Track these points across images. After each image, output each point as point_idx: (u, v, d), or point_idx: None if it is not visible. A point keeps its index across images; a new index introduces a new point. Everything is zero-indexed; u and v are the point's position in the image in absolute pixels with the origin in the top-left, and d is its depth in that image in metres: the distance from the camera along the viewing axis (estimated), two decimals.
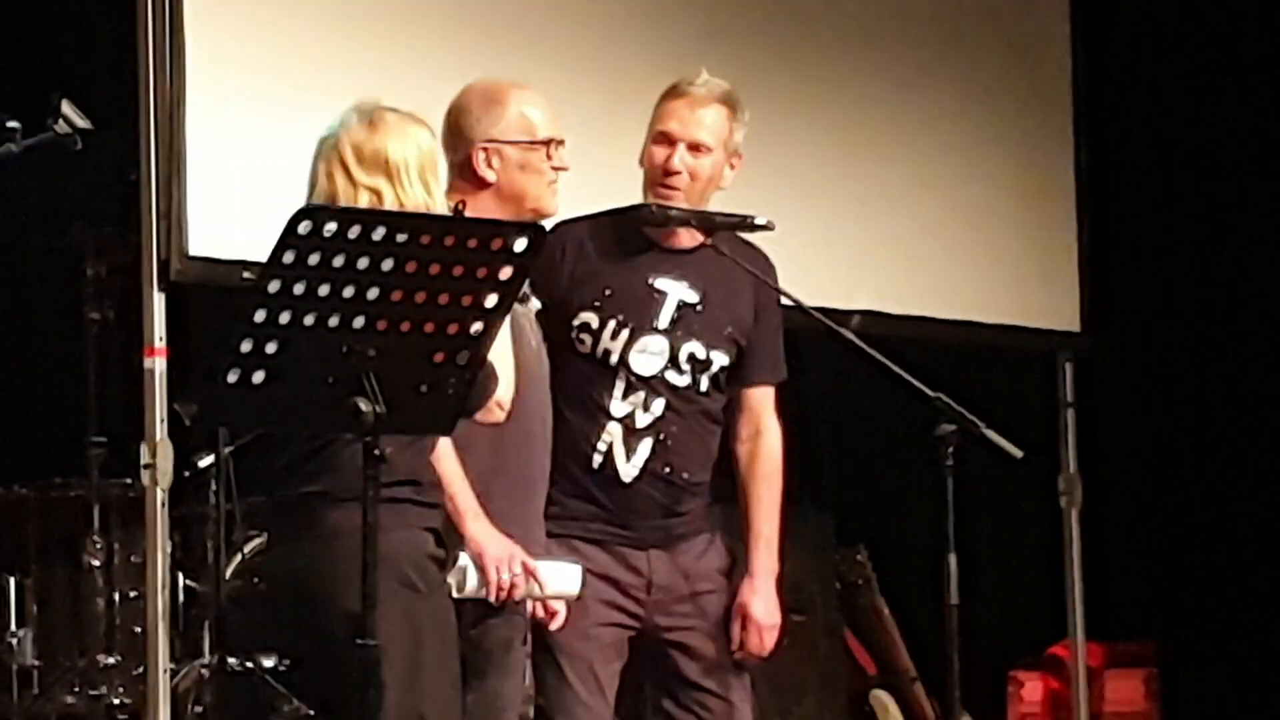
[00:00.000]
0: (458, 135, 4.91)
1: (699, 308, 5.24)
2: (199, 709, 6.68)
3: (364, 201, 4.40)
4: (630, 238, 5.29)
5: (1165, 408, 9.02)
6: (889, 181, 8.28)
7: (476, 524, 4.74)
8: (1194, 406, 9.13)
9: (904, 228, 8.27)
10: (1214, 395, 9.01)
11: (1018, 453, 5.38)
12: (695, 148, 5.14)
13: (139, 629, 6.45)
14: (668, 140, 5.13)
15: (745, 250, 5.31)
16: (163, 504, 5.90)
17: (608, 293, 5.18)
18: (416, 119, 4.55)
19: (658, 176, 5.14)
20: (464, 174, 4.88)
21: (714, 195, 5.39)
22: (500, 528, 4.76)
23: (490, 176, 4.79)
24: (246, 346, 3.84)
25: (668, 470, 5.17)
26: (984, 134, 8.63)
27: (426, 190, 4.48)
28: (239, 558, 6.91)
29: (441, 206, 4.60)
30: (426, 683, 4.07)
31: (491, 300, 4.08)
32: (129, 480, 6.42)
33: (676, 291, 5.25)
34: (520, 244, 4.10)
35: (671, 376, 5.19)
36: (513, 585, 4.71)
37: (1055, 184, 8.83)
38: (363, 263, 3.91)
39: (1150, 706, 8.67)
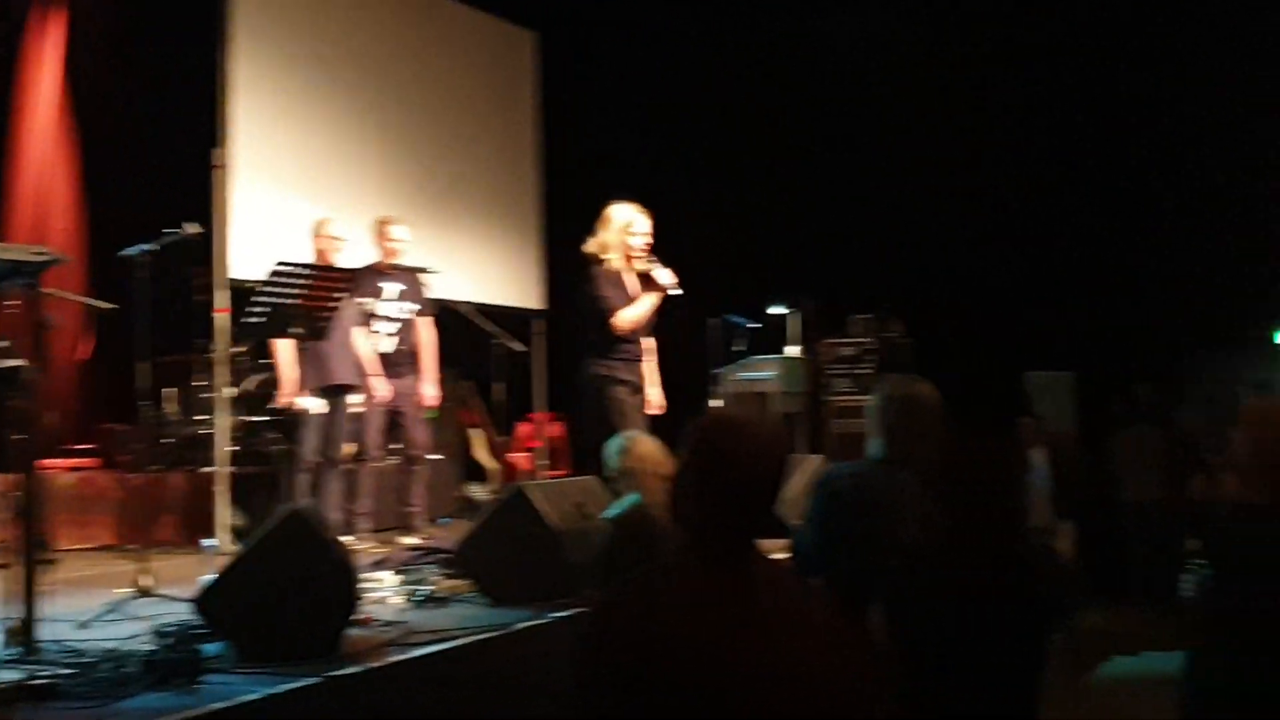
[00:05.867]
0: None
1: (404, 290, 7.65)
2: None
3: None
4: (376, 269, 7.65)
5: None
6: (451, 220, 9.78)
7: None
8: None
9: (472, 252, 9.89)
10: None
11: (523, 347, 8.77)
12: (404, 240, 7.62)
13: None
14: (394, 240, 7.59)
15: (411, 270, 7.73)
16: (223, 361, 7.65)
17: (369, 290, 7.56)
18: None
19: (393, 254, 7.62)
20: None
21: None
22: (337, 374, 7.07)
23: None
24: (256, 309, 6.08)
25: (401, 348, 7.60)
26: (493, 189, 10.39)
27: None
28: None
29: None
30: None
31: (339, 297, 6.44)
32: (209, 352, 7.83)
33: (394, 287, 7.66)
34: (349, 277, 6.68)
35: (398, 314, 7.62)
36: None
37: (530, 225, 10.90)
38: (296, 282, 6.07)
39: (564, 432, 10.87)
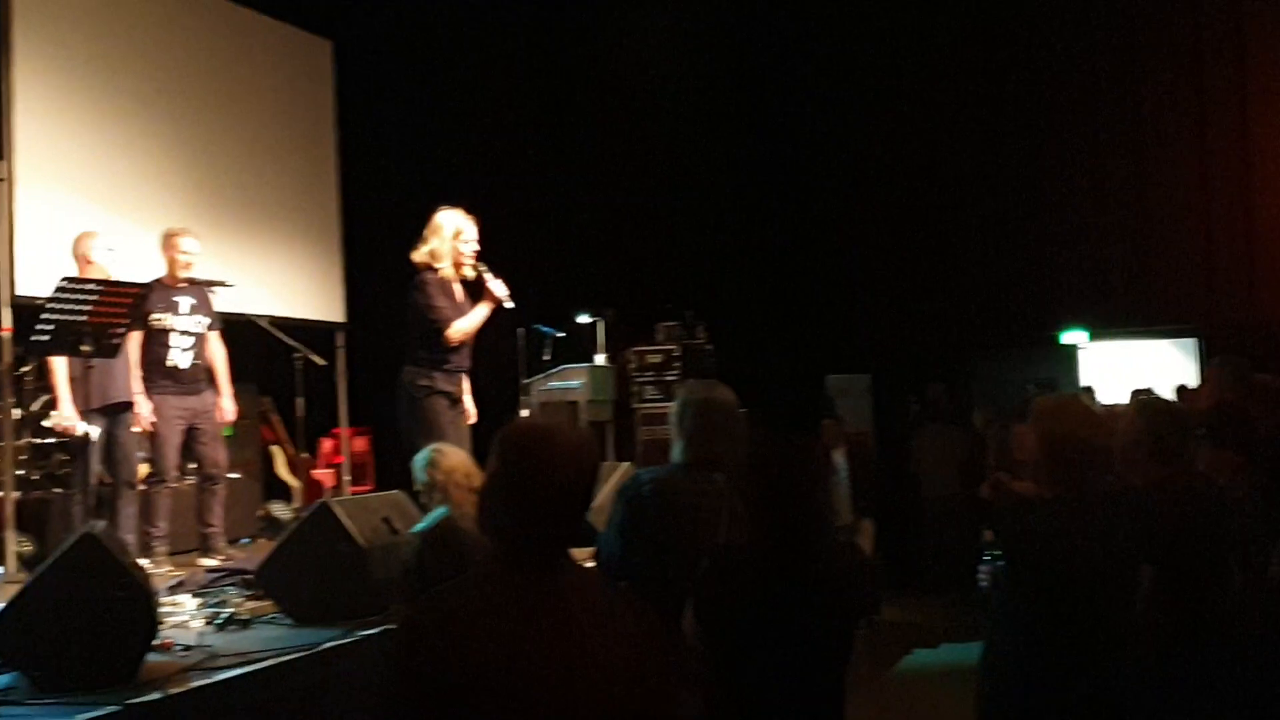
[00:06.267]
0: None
1: (195, 304, 7.37)
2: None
3: None
4: (168, 284, 7.31)
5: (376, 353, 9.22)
6: (249, 232, 9.50)
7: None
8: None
9: (270, 264, 9.65)
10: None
11: (323, 361, 8.45)
12: (194, 253, 7.30)
13: None
14: (184, 253, 7.26)
15: (202, 283, 7.41)
16: (7, 382, 7.39)
17: (161, 305, 7.22)
18: None
19: (182, 267, 7.29)
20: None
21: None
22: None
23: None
24: (42, 326, 5.85)
25: (197, 363, 7.32)
26: (291, 200, 9.96)
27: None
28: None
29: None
30: None
31: (130, 312, 6.11)
32: None
33: (186, 301, 7.36)
34: (139, 292, 6.32)
35: (193, 328, 7.35)
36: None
37: (330, 236, 10.43)
38: (84, 297, 5.82)
39: (369, 447, 10.91)
